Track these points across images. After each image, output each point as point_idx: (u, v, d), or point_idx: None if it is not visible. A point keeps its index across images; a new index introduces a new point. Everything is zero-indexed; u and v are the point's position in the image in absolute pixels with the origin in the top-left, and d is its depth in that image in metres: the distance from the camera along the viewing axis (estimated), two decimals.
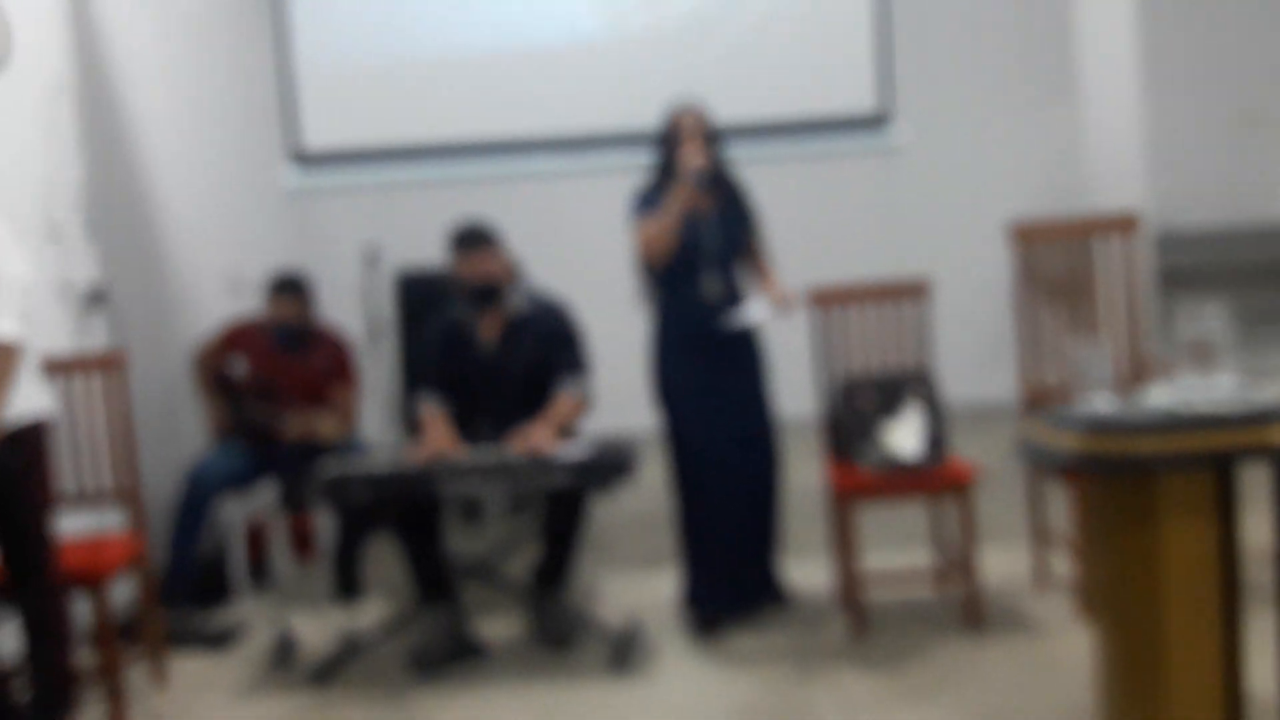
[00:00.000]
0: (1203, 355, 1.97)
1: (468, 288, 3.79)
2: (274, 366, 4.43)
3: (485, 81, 5.10)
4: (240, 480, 4.32)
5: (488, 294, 3.79)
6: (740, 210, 3.77)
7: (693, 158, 3.55)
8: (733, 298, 3.70)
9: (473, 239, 3.77)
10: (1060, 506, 3.72)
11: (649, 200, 3.67)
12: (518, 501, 5.07)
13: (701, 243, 3.64)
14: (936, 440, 3.59)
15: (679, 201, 3.56)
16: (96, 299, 4.27)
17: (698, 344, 3.68)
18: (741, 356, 3.74)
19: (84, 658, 3.16)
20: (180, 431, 4.90)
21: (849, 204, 6.77)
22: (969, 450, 3.94)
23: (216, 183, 5.49)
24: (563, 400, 3.75)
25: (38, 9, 4.07)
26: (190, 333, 4.75)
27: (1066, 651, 3.20)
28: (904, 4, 6.03)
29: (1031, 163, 6.86)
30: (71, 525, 3.53)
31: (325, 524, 4.41)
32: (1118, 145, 4.65)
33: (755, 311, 3.65)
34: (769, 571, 3.81)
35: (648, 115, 4.79)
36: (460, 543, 4.02)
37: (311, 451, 4.13)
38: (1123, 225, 3.86)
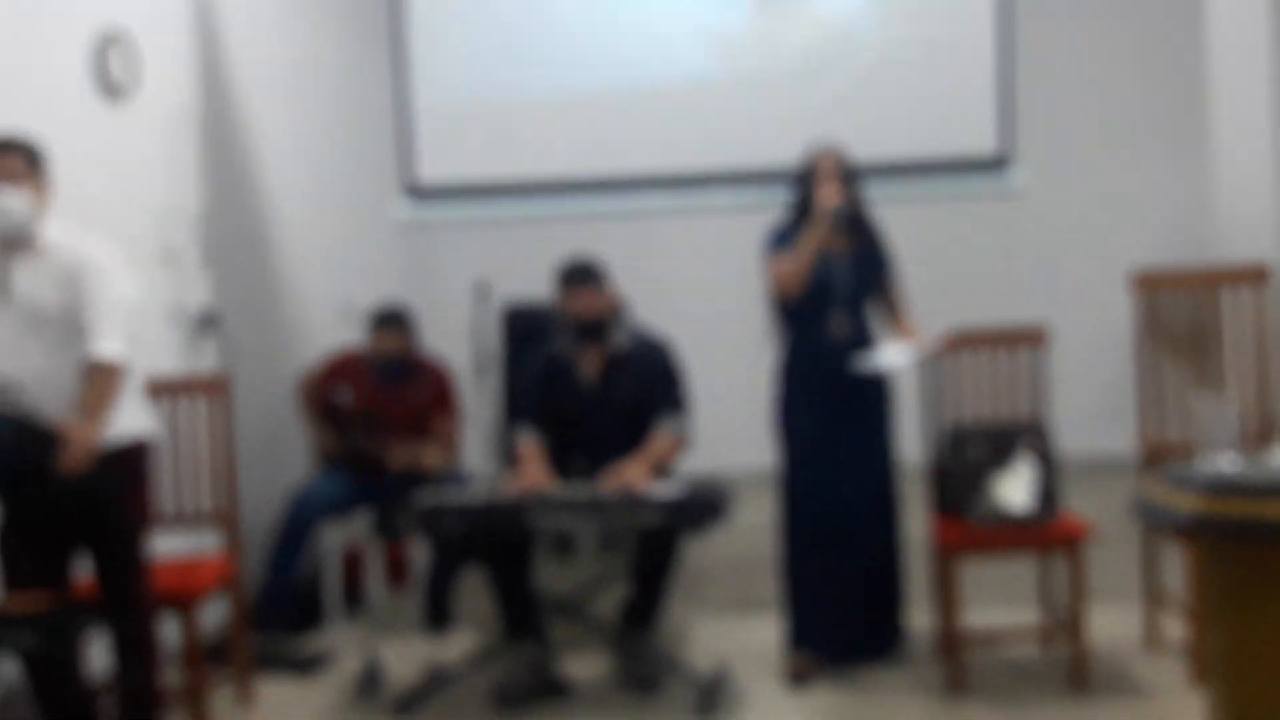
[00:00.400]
0: None
1: (572, 323, 3.77)
2: (377, 396, 4.45)
3: (598, 119, 5.10)
4: (341, 507, 4.34)
5: (593, 330, 3.77)
6: (875, 252, 3.71)
7: (830, 198, 3.53)
8: (862, 339, 3.65)
9: (580, 275, 3.76)
10: (1176, 567, 3.52)
11: (784, 238, 3.65)
12: (609, 539, 5.01)
13: (833, 282, 3.60)
14: (1048, 494, 3.44)
15: (814, 240, 3.54)
16: (207, 323, 4.36)
17: (823, 384, 3.63)
18: (868, 401, 3.66)
19: (172, 678, 3.17)
20: (285, 457, 4.96)
21: (967, 248, 6.61)
22: (1082, 506, 3.76)
23: (332, 214, 5.59)
24: (660, 439, 3.69)
25: (166, 38, 4.20)
26: (300, 360, 4.81)
27: (1178, 718, 2.99)
28: (1029, 44, 5.88)
29: (1158, 212, 6.61)
30: (169, 546, 3.58)
31: (420, 554, 4.40)
32: (1249, 198, 4.43)
33: (893, 355, 3.57)
34: (881, 626, 3.69)
35: (759, 154, 4.78)
36: (551, 579, 3.97)
37: (414, 481, 4.12)
38: (1253, 276, 3.67)
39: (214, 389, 3.53)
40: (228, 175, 4.68)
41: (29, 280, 2.89)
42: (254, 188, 4.93)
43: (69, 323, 2.92)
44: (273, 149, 5.04)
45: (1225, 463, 1.83)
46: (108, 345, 2.91)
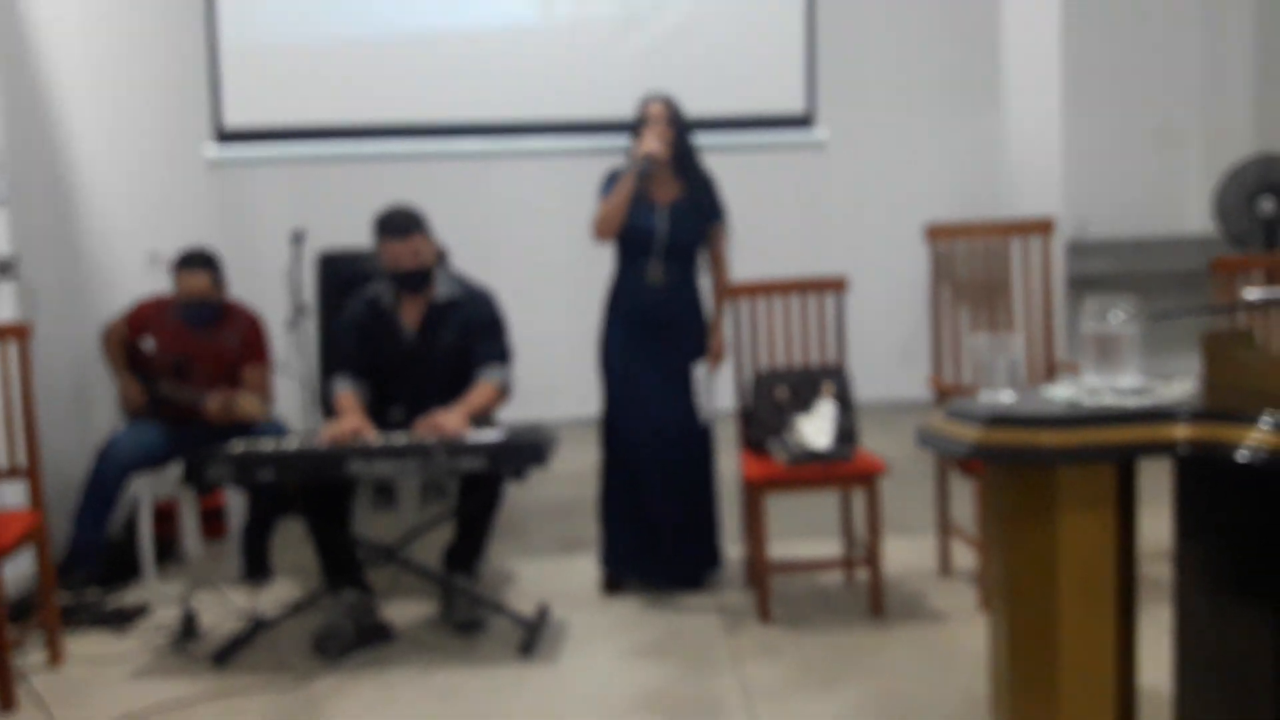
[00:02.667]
0: (1107, 351, 1.92)
1: (391, 274, 3.68)
2: (184, 344, 4.25)
3: (414, 64, 4.96)
4: (153, 459, 4.14)
5: (412, 280, 3.68)
6: (703, 202, 3.74)
7: (648, 143, 3.60)
8: (680, 286, 3.73)
9: (397, 226, 3.63)
10: (967, 501, 3.71)
11: (613, 182, 3.68)
12: (430, 488, 4.96)
13: (654, 228, 3.65)
14: (847, 434, 3.57)
15: (626, 184, 3.61)
16: (4, 269, 4.08)
17: (640, 325, 3.72)
18: (683, 343, 3.74)
19: None
20: (92, 408, 4.72)
21: (776, 200, 6.75)
22: (880, 445, 3.92)
23: (139, 157, 5.31)
24: (480, 388, 3.65)
25: None
26: (105, 308, 4.55)
27: (967, 641, 3.17)
28: (831, 3, 6.01)
29: (953, 169, 6.90)
30: None
31: (236, 505, 4.26)
32: (1037, 156, 4.67)
33: (705, 384, 3.71)
34: (697, 553, 3.79)
35: (576, 103, 4.74)
36: (371, 529, 3.90)
37: (227, 431, 3.97)
38: (1039, 228, 3.85)
39: (13, 336, 3.30)
40: (25, 116, 4.36)
41: None
42: (54, 129, 4.62)
43: None
44: (74, 90, 4.73)
45: (1002, 397, 1.93)
46: None
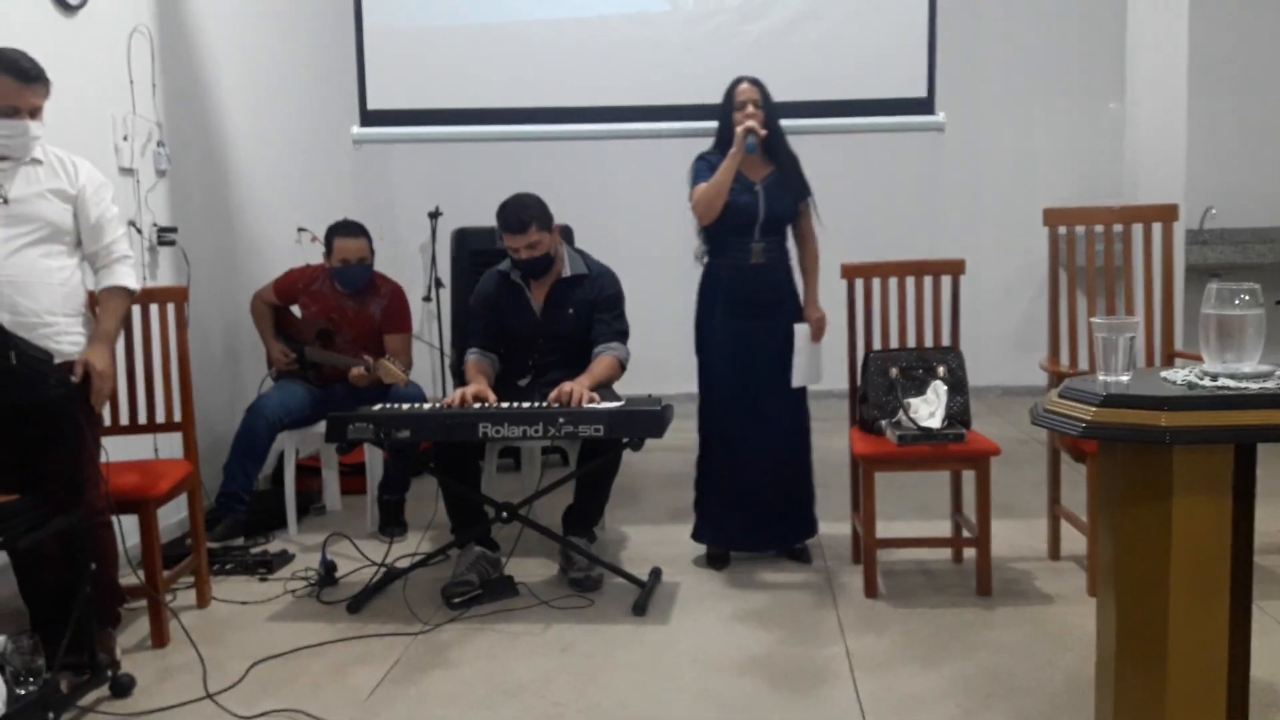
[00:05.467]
0: (1228, 334, 1.84)
1: (517, 262, 3.74)
2: (331, 311, 4.40)
3: (542, 50, 4.97)
4: (299, 418, 4.30)
5: (533, 269, 3.74)
6: (792, 180, 3.71)
7: (749, 122, 3.57)
8: (776, 261, 3.70)
9: (515, 222, 3.66)
10: (1078, 486, 3.61)
11: (707, 165, 3.67)
12: (552, 453, 5.03)
13: (753, 204, 3.64)
14: (959, 416, 3.50)
15: (730, 164, 3.58)
16: (163, 237, 4.27)
17: (739, 300, 3.69)
18: (779, 315, 3.71)
19: (131, 579, 3.15)
20: (244, 370, 4.91)
21: (895, 183, 6.64)
22: (994, 429, 3.83)
23: (289, 139, 5.49)
24: (604, 360, 3.70)
25: None
26: (257, 278, 4.73)
27: (1074, 624, 3.08)
28: None
29: (1075, 155, 6.70)
30: (129, 452, 3.53)
31: (376, 463, 4.39)
32: (1161, 144, 4.48)
33: (804, 371, 3.67)
34: (794, 522, 3.78)
35: (700, 89, 4.72)
36: (497, 490, 3.97)
37: (371, 395, 4.09)
38: (1162, 214, 3.71)
39: (170, 299, 3.45)
40: (184, 96, 4.55)
41: (26, 187, 2.82)
42: (210, 109, 4.80)
43: (65, 233, 2.89)
44: (229, 72, 4.91)
45: (1120, 378, 1.87)
46: (129, 274, 3.00)
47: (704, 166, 3.68)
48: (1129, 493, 1.84)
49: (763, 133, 3.58)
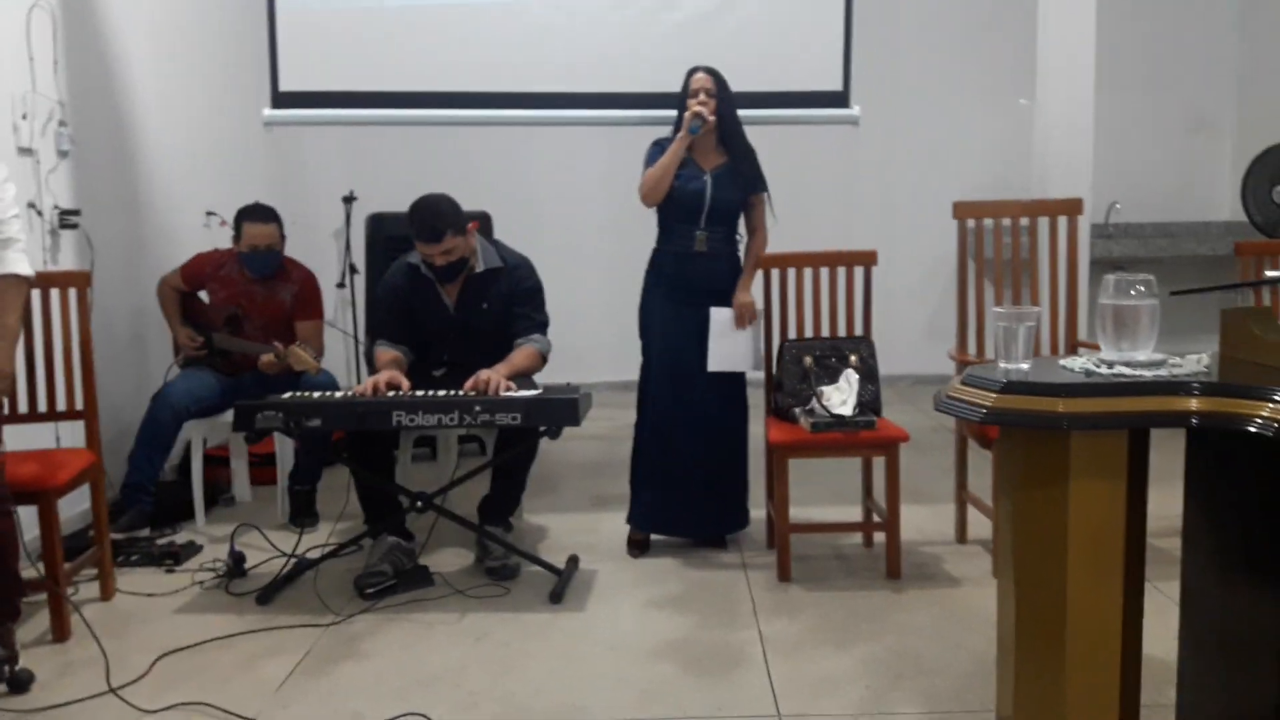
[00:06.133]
0: (1124, 323, 1.91)
1: (431, 267, 3.67)
2: (240, 296, 4.31)
3: (460, 33, 4.86)
4: (206, 406, 4.20)
5: (448, 273, 3.69)
6: (745, 170, 3.74)
7: (695, 108, 3.63)
8: (721, 250, 3.74)
9: (430, 231, 3.56)
10: (984, 473, 3.70)
11: (661, 149, 3.71)
12: (468, 442, 5.00)
13: (699, 192, 3.67)
14: (870, 404, 3.56)
15: (674, 150, 3.64)
16: (66, 220, 4.14)
17: (681, 287, 3.73)
18: (721, 305, 3.73)
19: (30, 572, 3.05)
20: (150, 357, 4.79)
21: (809, 175, 6.72)
22: (904, 417, 3.91)
23: (199, 120, 5.36)
24: (524, 350, 3.68)
25: None
26: (165, 263, 4.61)
27: (980, 605, 3.17)
28: None
29: (985, 151, 6.84)
30: (29, 441, 3.43)
31: (286, 453, 4.32)
32: (1069, 140, 4.61)
33: (729, 357, 3.69)
34: (727, 512, 3.82)
35: (618, 78, 4.72)
36: (412, 480, 3.94)
37: (281, 382, 4.02)
38: (1068, 209, 3.81)
39: (73, 284, 3.35)
40: (88, 74, 4.42)
41: None
42: (116, 88, 4.67)
43: None
44: (136, 50, 4.77)
45: (1020, 366, 1.92)
46: (22, 260, 2.89)
47: (656, 151, 3.72)
48: (1028, 476, 1.89)
49: (710, 119, 3.62)
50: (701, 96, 3.65)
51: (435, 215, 3.58)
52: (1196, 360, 1.90)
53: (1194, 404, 1.73)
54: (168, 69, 5.06)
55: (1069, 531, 1.86)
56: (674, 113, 3.74)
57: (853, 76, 4.78)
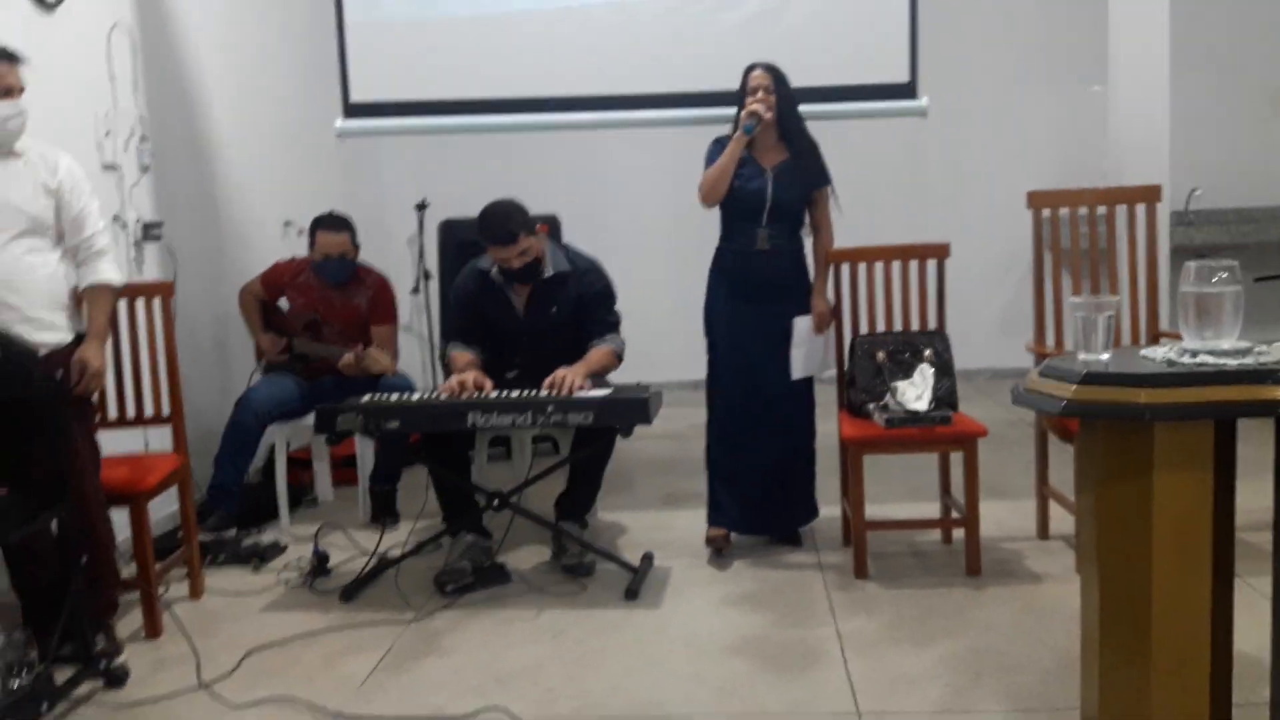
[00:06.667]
0: (1207, 312, 1.86)
1: (505, 271, 3.71)
2: (318, 303, 4.40)
3: (527, 40, 4.94)
4: (288, 409, 4.30)
5: (518, 276, 3.72)
6: (808, 165, 3.71)
7: (752, 105, 3.58)
8: (785, 248, 3.70)
9: (502, 234, 3.60)
10: (1065, 466, 3.63)
11: (721, 148, 3.68)
12: (543, 441, 5.03)
13: (761, 191, 3.64)
14: (946, 399, 3.52)
15: (733, 149, 3.61)
16: (149, 233, 4.26)
17: (745, 286, 3.70)
18: (787, 303, 3.71)
19: (124, 571, 3.16)
20: (233, 363, 4.91)
21: (879, 168, 6.65)
22: (981, 411, 3.85)
23: (273, 132, 5.47)
24: (599, 349, 3.70)
25: None
26: (244, 271, 4.72)
27: (1063, 602, 3.11)
28: None
29: (1058, 138, 6.72)
30: (119, 447, 3.53)
31: (366, 454, 4.40)
32: (1144, 125, 4.50)
33: (804, 362, 3.68)
34: (796, 506, 3.80)
35: (683, 77, 4.73)
36: (488, 479, 3.99)
37: (359, 386, 4.09)
38: (1145, 195, 3.72)
39: (157, 294, 3.45)
40: (166, 90, 4.54)
41: (8, 181, 2.83)
42: (193, 103, 4.79)
43: (47, 227, 2.91)
44: (212, 66, 4.89)
45: (1100, 356, 1.89)
46: (113, 269, 3.06)
47: (716, 149, 3.69)
48: (1110, 470, 1.86)
49: (767, 116, 3.58)
50: (760, 94, 3.61)
51: (506, 218, 3.62)
52: None
53: None
54: (242, 83, 5.17)
55: (1154, 526, 1.82)
56: (735, 110, 3.72)
57: (920, 67, 4.73)
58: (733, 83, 3.75)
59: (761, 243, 3.66)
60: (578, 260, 3.83)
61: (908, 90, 4.71)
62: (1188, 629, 1.88)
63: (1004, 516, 3.94)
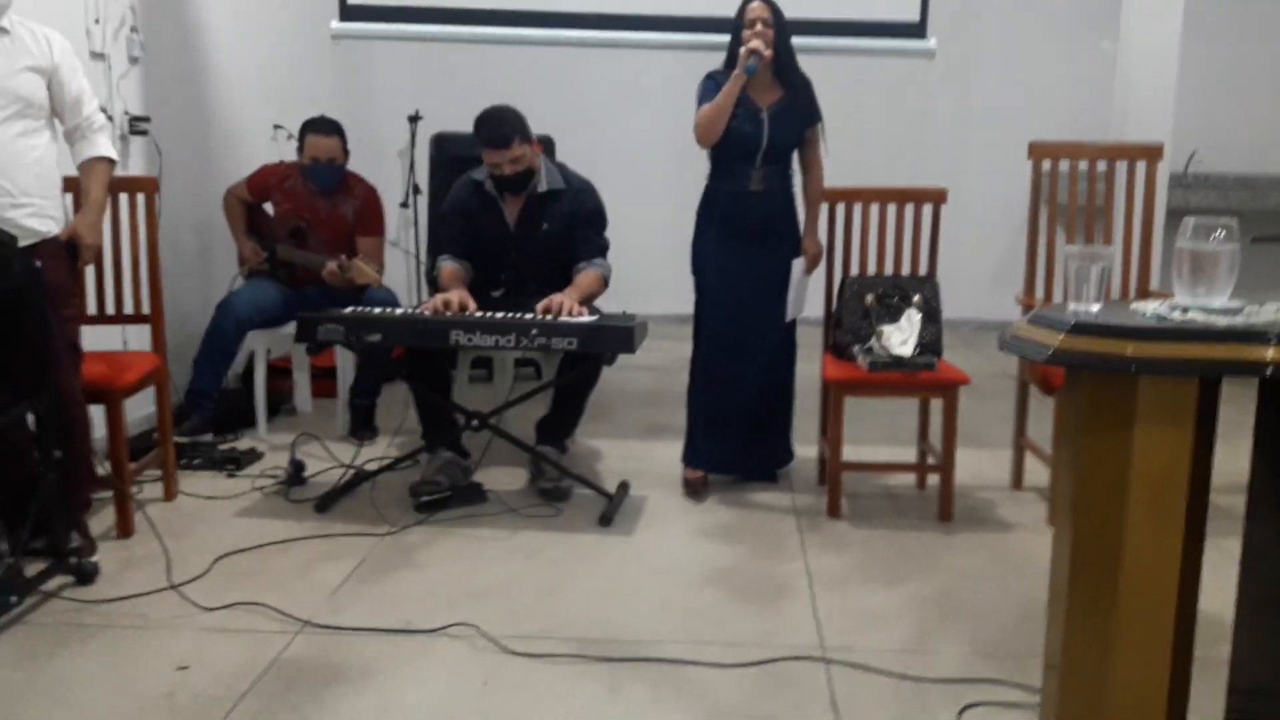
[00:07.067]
0: (1201, 269, 1.85)
1: (497, 178, 3.68)
2: (304, 209, 4.35)
3: None
4: (270, 317, 4.27)
5: (512, 184, 3.69)
6: (802, 104, 3.64)
7: (754, 43, 3.46)
8: (778, 189, 3.64)
9: (498, 137, 3.58)
10: (1044, 420, 3.65)
11: (715, 85, 3.57)
12: (525, 364, 5.03)
13: (757, 131, 3.56)
14: (931, 345, 3.52)
15: (733, 87, 3.49)
16: (135, 127, 4.19)
17: (737, 227, 3.63)
18: (778, 248, 3.66)
19: (98, 469, 3.15)
20: (215, 267, 4.87)
21: (882, 108, 6.58)
22: (966, 361, 3.86)
23: (267, 31, 5.36)
24: (589, 274, 3.68)
25: None
26: (231, 173, 4.66)
27: (1032, 552, 3.15)
28: None
29: (1064, 91, 6.66)
30: (96, 343, 3.50)
31: (347, 366, 4.38)
32: (1151, 84, 4.46)
33: (796, 278, 3.63)
34: (773, 449, 3.80)
35: (687, 2, 4.65)
36: (469, 400, 3.98)
37: (343, 296, 4.06)
38: (1147, 154, 3.70)
39: (139, 189, 3.39)
40: None
41: (3, 61, 2.76)
42: None
43: (39, 109, 2.86)
44: None
45: (1090, 308, 1.88)
46: (108, 143, 3.04)
47: (711, 86, 3.58)
48: (1092, 421, 1.86)
49: (767, 54, 3.48)
50: (759, 27, 3.49)
51: (502, 121, 3.60)
52: (1276, 309, 1.84)
53: (1270, 353, 1.68)
54: None
55: (1130, 479, 1.83)
56: (729, 39, 3.60)
57: (930, 7, 4.66)
58: (732, 9, 3.64)
59: (755, 184, 3.60)
60: (572, 179, 3.80)
61: (917, 30, 4.65)
62: (1156, 583, 1.90)
63: (980, 466, 3.97)
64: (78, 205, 3.04)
